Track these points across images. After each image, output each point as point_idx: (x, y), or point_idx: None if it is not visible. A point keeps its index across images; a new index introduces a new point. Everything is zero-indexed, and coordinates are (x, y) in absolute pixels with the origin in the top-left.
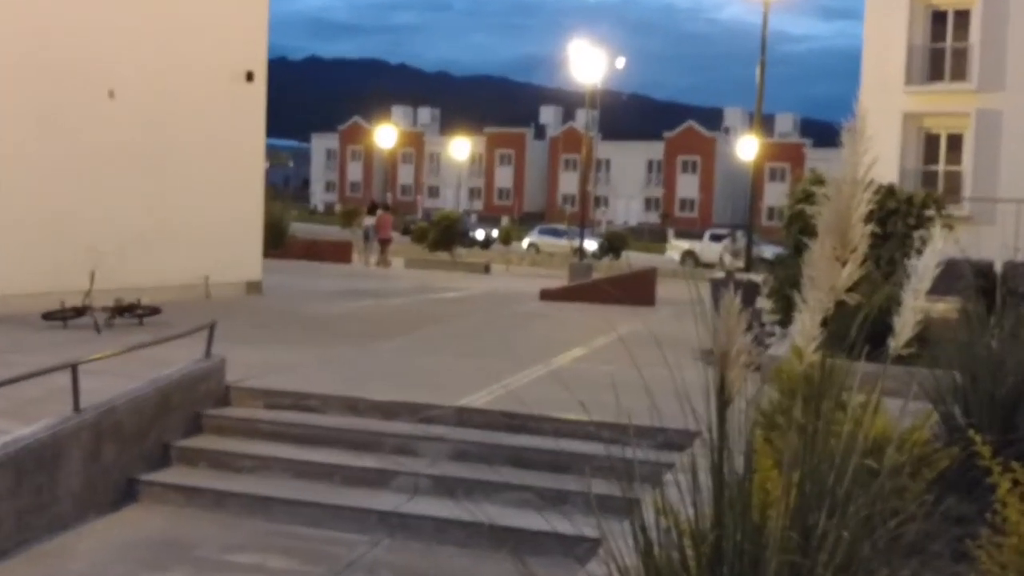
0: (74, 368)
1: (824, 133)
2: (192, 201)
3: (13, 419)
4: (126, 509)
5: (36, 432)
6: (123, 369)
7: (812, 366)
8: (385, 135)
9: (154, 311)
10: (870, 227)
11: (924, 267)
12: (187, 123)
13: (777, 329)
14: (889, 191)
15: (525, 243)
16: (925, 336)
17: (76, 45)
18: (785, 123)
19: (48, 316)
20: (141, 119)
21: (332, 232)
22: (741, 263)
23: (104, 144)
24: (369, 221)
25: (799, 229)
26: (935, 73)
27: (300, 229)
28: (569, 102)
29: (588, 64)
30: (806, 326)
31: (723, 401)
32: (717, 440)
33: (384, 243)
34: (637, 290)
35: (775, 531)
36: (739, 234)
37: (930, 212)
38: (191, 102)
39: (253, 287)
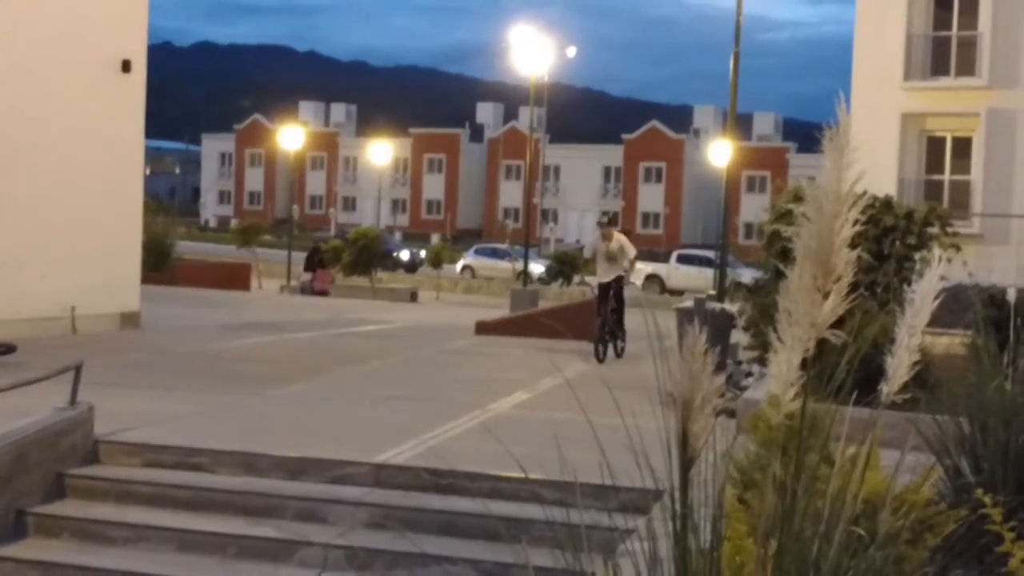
0: None
1: (811, 136)
2: (55, 215)
3: None
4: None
5: None
6: None
7: (791, 416)
8: (291, 136)
9: (9, 349)
10: (857, 252)
11: (922, 297)
12: (48, 119)
13: (756, 368)
14: (886, 205)
15: (459, 265)
16: (926, 377)
17: None
18: (765, 124)
19: None
20: None
21: (227, 252)
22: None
23: None
24: (306, 277)
25: (779, 251)
26: (939, 66)
27: (189, 248)
28: (511, 98)
29: (533, 54)
30: (782, 370)
31: (686, 459)
32: (680, 505)
33: (322, 294)
34: (590, 322)
35: None
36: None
37: (933, 230)
38: (53, 95)
39: (129, 319)
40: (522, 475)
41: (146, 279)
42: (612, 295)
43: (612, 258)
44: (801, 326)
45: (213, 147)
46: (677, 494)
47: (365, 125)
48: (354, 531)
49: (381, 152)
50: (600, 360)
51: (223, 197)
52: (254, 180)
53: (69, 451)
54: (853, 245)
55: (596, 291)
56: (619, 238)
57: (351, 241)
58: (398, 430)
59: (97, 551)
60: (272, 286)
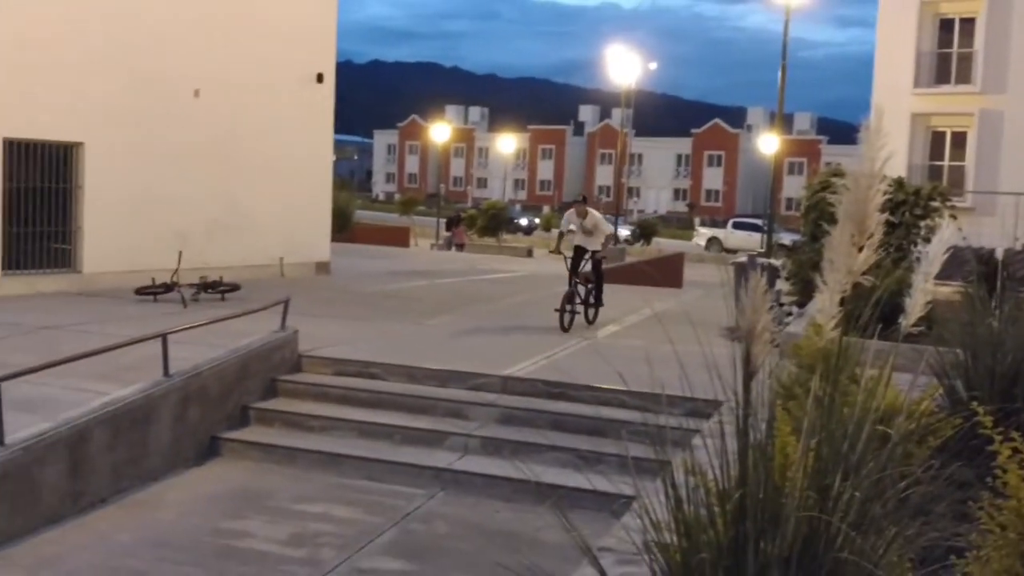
0: (164, 338)
1: (838, 131)
2: (269, 190)
3: (111, 382)
4: (209, 464)
5: (131, 394)
6: (207, 340)
7: (831, 342)
8: (439, 132)
9: (234, 288)
10: (885, 216)
11: (934, 253)
12: (264, 120)
13: (794, 309)
14: (898, 184)
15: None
16: (931, 317)
17: (165, 51)
18: (803, 121)
19: (140, 291)
20: (224, 116)
21: (391, 219)
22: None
23: (191, 139)
24: (447, 235)
25: (816, 218)
26: (942, 76)
27: (363, 216)
28: (606, 102)
29: (623, 67)
30: (826, 305)
31: (748, 372)
32: (743, 408)
33: (460, 247)
34: (666, 273)
35: (795, 490)
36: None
37: (936, 203)
38: (268, 101)
39: (322, 267)
40: (613, 386)
41: (333, 238)
42: (591, 269)
43: (588, 232)
44: (840, 272)
45: (382, 140)
46: (741, 400)
47: (494, 123)
48: (487, 425)
49: (506, 144)
50: (564, 329)
51: (389, 177)
52: (411, 164)
53: (280, 363)
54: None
55: (569, 259)
56: (594, 215)
57: (483, 211)
58: (519, 351)
59: (301, 436)
60: (424, 244)
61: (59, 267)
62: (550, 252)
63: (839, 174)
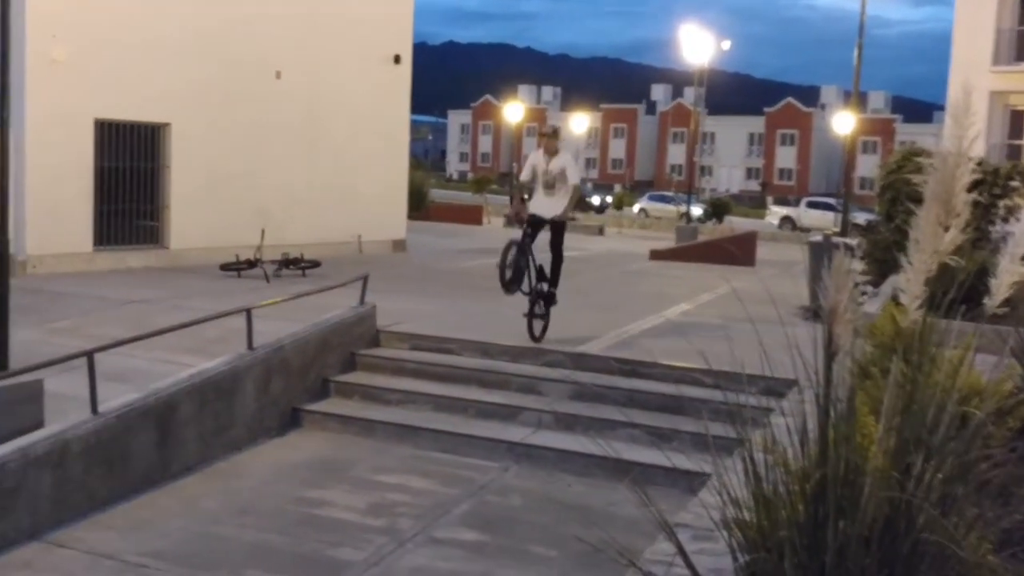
0: (248, 312)
1: (913, 109)
2: (347, 169)
3: (197, 355)
4: (291, 434)
5: (217, 366)
6: (289, 314)
7: (915, 322)
8: (512, 111)
9: (315, 264)
10: (972, 195)
11: (1021, 233)
12: (343, 101)
13: (869, 289)
14: (976, 163)
15: (636, 208)
16: (1011, 298)
17: (248, 33)
18: (877, 100)
19: (225, 267)
20: (303, 97)
21: (465, 197)
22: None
23: (272, 120)
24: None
25: (891, 198)
26: (1022, 54)
27: (437, 195)
28: (678, 80)
29: (697, 46)
30: (911, 286)
31: (831, 352)
32: (823, 387)
33: (523, 223)
34: (739, 252)
35: (875, 470)
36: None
37: (1015, 183)
38: (346, 82)
39: (398, 245)
40: (686, 363)
41: (409, 216)
42: (549, 243)
43: (550, 185)
44: (926, 253)
45: (456, 120)
46: (823, 380)
47: (567, 103)
48: (560, 401)
49: (579, 123)
50: (535, 339)
51: (462, 157)
52: (485, 144)
53: (358, 337)
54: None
55: (524, 224)
56: (563, 157)
57: None
58: (593, 328)
59: (378, 408)
60: (497, 222)
61: (147, 243)
62: (507, 218)
63: (916, 153)
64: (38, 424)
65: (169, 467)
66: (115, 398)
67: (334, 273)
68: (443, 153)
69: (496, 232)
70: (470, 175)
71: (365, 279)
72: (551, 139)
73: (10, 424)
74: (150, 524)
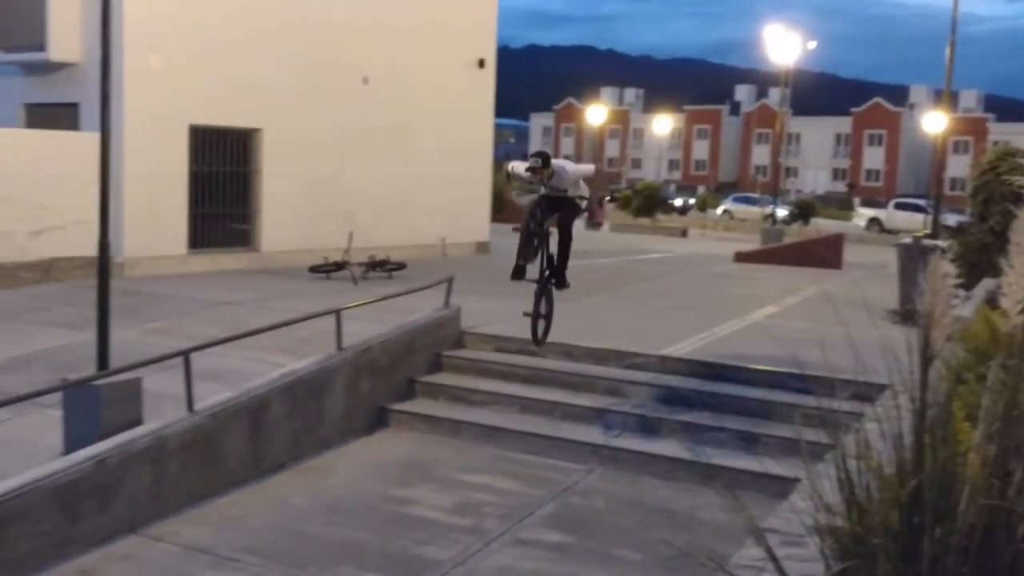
0: (338, 314)
1: (1006, 108)
2: (432, 172)
3: (288, 355)
4: (378, 434)
5: (307, 366)
6: (376, 315)
7: (1016, 327)
8: (595, 114)
9: (400, 267)
10: None
11: None
12: (428, 105)
13: (961, 292)
14: None
15: (720, 210)
16: None
17: (337, 39)
18: (969, 99)
19: (314, 269)
20: (389, 102)
21: None
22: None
23: (359, 124)
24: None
25: (984, 199)
26: None
27: (519, 198)
28: (762, 81)
29: (782, 45)
30: (1013, 290)
31: (926, 358)
32: (919, 393)
33: (599, 225)
34: (825, 253)
35: (974, 477)
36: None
37: None
38: (432, 87)
39: (481, 247)
40: (772, 367)
41: (492, 218)
42: (557, 222)
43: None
44: None
45: (538, 123)
46: (918, 386)
47: (649, 104)
48: (645, 404)
49: (662, 124)
50: (537, 342)
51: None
52: (566, 146)
53: (444, 338)
54: None
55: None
56: (561, 166)
57: (638, 191)
58: (677, 331)
59: (464, 409)
60: (578, 224)
61: (239, 246)
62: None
63: (1011, 153)
64: (137, 421)
65: (260, 464)
66: (210, 397)
67: (419, 275)
68: (524, 156)
69: (579, 235)
70: None
71: (450, 281)
72: (543, 171)
73: (111, 421)
74: (242, 520)
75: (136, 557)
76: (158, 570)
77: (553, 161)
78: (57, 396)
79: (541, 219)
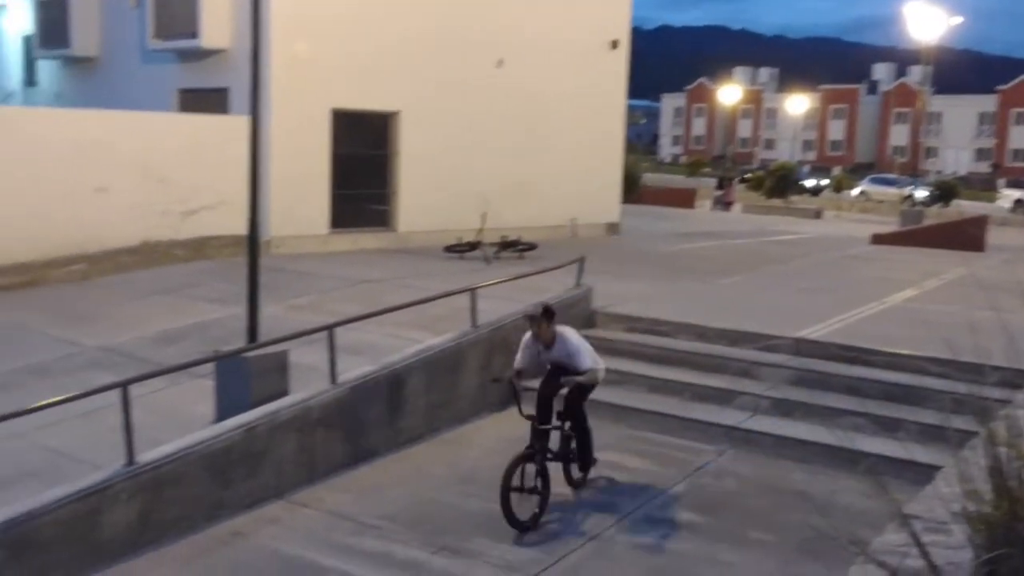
0: (472, 292)
1: None
2: (564, 154)
3: (425, 331)
4: (510, 409)
5: (443, 342)
6: (508, 294)
7: None
8: (728, 94)
9: (532, 247)
10: None
11: None
12: (561, 87)
13: None
14: None
15: (856, 191)
16: None
17: (472, 24)
18: None
19: (448, 249)
20: (522, 85)
21: (678, 180)
22: None
23: (494, 107)
24: (718, 193)
25: None
26: None
27: (650, 178)
28: (901, 59)
29: (924, 22)
30: None
31: None
32: None
33: (728, 205)
34: (967, 236)
35: None
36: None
37: None
38: (565, 68)
39: (612, 228)
40: (912, 352)
41: (622, 199)
42: (567, 403)
43: (559, 366)
44: None
45: (669, 103)
46: None
47: (783, 84)
48: (779, 387)
49: (797, 104)
50: (520, 526)
51: (675, 140)
52: (698, 127)
53: (575, 318)
54: None
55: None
56: (568, 340)
57: (771, 172)
58: (813, 313)
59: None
60: (708, 205)
61: (378, 226)
62: (714, 200)
63: None
64: (283, 392)
65: (399, 436)
66: (351, 370)
67: (550, 255)
68: (655, 137)
69: (710, 216)
70: (683, 158)
71: (581, 261)
72: (541, 325)
73: (259, 391)
74: (382, 488)
75: (284, 521)
76: (304, 534)
77: (565, 333)
78: (210, 367)
79: (547, 404)
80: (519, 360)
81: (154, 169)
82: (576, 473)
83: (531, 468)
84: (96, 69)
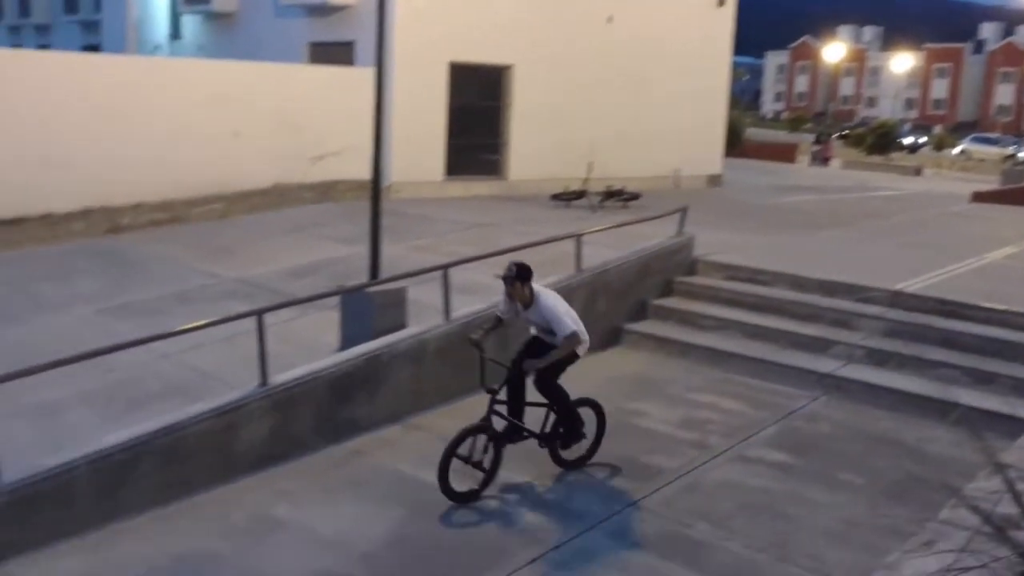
0: (578, 238)
1: None
2: (669, 108)
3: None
4: (611, 350)
5: (549, 284)
6: (611, 241)
7: None
8: (832, 52)
9: (635, 196)
10: None
11: None
12: (667, 43)
13: None
14: None
15: (957, 149)
16: None
17: None
18: None
19: (555, 197)
20: (631, 40)
21: (779, 136)
22: None
23: (602, 61)
24: (815, 148)
25: None
26: None
27: (752, 133)
28: (1010, 18)
29: None
30: None
31: None
32: None
33: (826, 161)
34: None
35: None
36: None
37: None
38: (672, 25)
39: (713, 180)
40: (1009, 308)
41: (725, 153)
42: (540, 377)
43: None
44: None
45: (772, 61)
46: None
47: (888, 42)
48: (873, 337)
49: (901, 63)
50: (458, 497)
51: (777, 97)
52: (800, 84)
53: (676, 265)
54: None
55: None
56: (544, 305)
57: (872, 129)
58: (910, 267)
59: (692, 332)
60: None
61: (489, 174)
62: (812, 156)
63: None
64: (402, 325)
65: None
66: (463, 307)
67: (653, 205)
68: (757, 93)
69: (811, 171)
70: (785, 114)
71: (684, 211)
72: (515, 286)
73: (380, 323)
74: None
75: (399, 443)
76: (417, 455)
77: (544, 300)
78: (336, 299)
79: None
80: (500, 308)
81: (286, 117)
82: (564, 453)
83: (481, 442)
84: (234, 23)
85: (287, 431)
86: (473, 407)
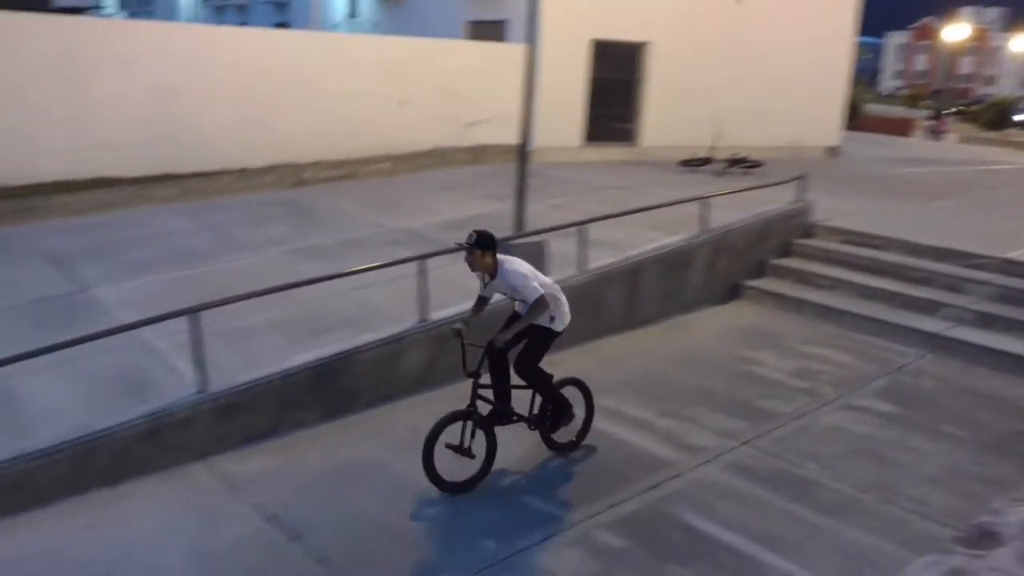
0: (703, 201)
1: None
2: (791, 81)
3: (660, 232)
4: (730, 304)
5: (675, 242)
6: (734, 205)
7: None
8: (954, 31)
9: (757, 164)
10: None
11: None
12: (792, 21)
13: None
14: None
15: None
16: None
17: None
18: None
19: (683, 163)
20: (757, 19)
21: (897, 111)
22: None
23: (729, 39)
24: (929, 123)
25: None
26: None
27: (871, 109)
28: None
29: None
30: None
31: None
32: None
33: (940, 135)
34: None
35: None
36: None
37: None
38: (797, 4)
39: (832, 151)
40: None
41: (844, 126)
42: (521, 355)
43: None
44: None
45: (893, 40)
46: None
47: (1012, 22)
48: (982, 302)
49: (1021, 42)
50: (447, 488)
51: (896, 74)
52: (919, 63)
53: (794, 228)
54: None
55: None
56: (505, 268)
57: (989, 106)
58: (1022, 237)
59: (808, 290)
60: (922, 135)
61: (623, 141)
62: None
63: None
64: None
65: (633, 318)
66: (597, 260)
67: (774, 172)
68: (875, 71)
69: (926, 145)
70: (903, 91)
71: (803, 178)
72: (475, 254)
73: None
74: (618, 360)
75: None
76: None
77: (508, 266)
78: None
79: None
80: (479, 287)
81: (445, 87)
82: (555, 436)
83: (467, 428)
84: (404, 3)
85: (441, 362)
86: (605, 349)
